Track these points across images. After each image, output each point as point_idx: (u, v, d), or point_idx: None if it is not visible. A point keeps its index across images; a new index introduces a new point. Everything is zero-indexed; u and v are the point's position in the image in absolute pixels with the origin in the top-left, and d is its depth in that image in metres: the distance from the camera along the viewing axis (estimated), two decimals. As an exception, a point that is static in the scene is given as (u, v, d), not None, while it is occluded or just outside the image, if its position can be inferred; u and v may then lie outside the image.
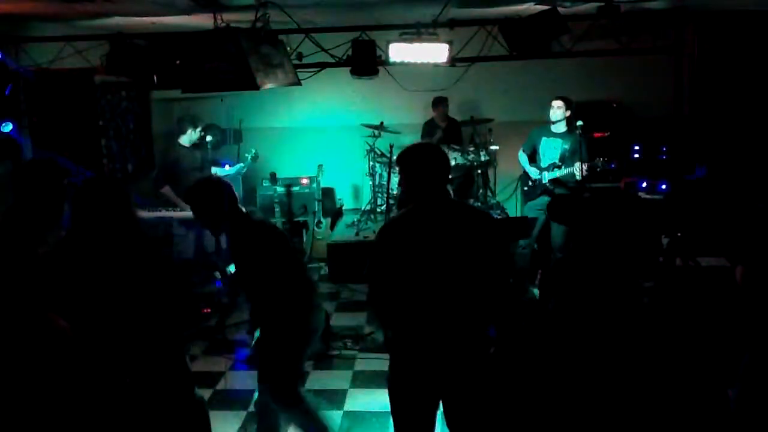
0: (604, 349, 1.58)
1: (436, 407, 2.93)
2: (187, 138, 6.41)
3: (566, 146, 6.16)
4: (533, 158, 6.54)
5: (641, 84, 7.79)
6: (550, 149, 6.28)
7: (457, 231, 2.80)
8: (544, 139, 6.33)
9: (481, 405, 2.76)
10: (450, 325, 2.78)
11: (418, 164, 2.85)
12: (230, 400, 4.62)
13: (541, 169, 6.35)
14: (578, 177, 5.99)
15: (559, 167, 6.20)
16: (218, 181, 3.49)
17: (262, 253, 3.39)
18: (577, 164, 5.96)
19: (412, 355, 2.84)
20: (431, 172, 2.84)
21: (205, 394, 4.44)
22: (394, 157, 7.56)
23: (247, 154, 7.21)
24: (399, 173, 2.97)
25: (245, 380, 4.93)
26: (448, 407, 2.90)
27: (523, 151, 6.58)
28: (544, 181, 6.32)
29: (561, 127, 6.23)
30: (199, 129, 6.53)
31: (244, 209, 3.46)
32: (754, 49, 7.03)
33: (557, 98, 6.19)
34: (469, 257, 2.78)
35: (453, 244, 2.77)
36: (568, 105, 6.17)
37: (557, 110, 6.15)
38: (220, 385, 4.85)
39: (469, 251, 2.78)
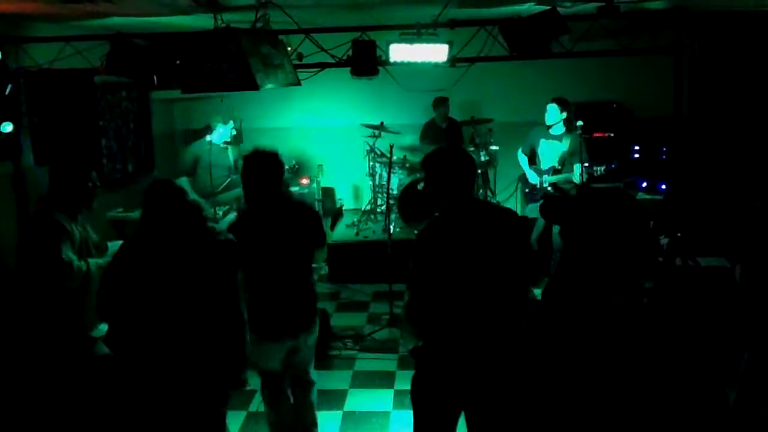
0: (601, 350, 1.58)
1: (458, 417, 2.92)
2: (218, 135, 6.35)
3: (565, 148, 6.16)
4: (533, 159, 6.54)
5: (641, 84, 7.80)
6: (549, 151, 6.28)
7: (491, 233, 2.79)
8: (542, 140, 6.33)
9: (505, 413, 2.75)
10: (487, 331, 2.77)
11: (448, 168, 2.84)
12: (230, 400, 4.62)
13: (541, 172, 6.35)
14: (577, 180, 5.99)
15: (559, 171, 6.20)
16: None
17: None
18: (577, 167, 5.96)
19: (445, 363, 2.80)
20: (462, 177, 2.83)
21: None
22: (395, 158, 7.60)
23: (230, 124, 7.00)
24: (425, 177, 2.96)
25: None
26: (471, 416, 2.88)
27: (522, 152, 6.59)
28: (544, 185, 6.32)
29: (560, 129, 6.24)
30: (231, 124, 6.46)
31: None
32: (753, 49, 7.03)
33: (552, 101, 6.19)
34: (503, 258, 2.77)
35: (490, 247, 2.77)
36: (565, 107, 6.17)
37: (552, 113, 6.17)
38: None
39: (502, 252, 2.78)
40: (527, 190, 6.67)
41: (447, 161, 2.87)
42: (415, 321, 2.86)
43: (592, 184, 6.06)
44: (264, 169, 3.48)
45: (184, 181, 6.01)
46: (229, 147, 6.52)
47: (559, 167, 6.20)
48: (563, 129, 6.22)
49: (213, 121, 6.38)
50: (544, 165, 6.32)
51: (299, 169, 7.50)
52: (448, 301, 2.77)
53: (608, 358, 1.55)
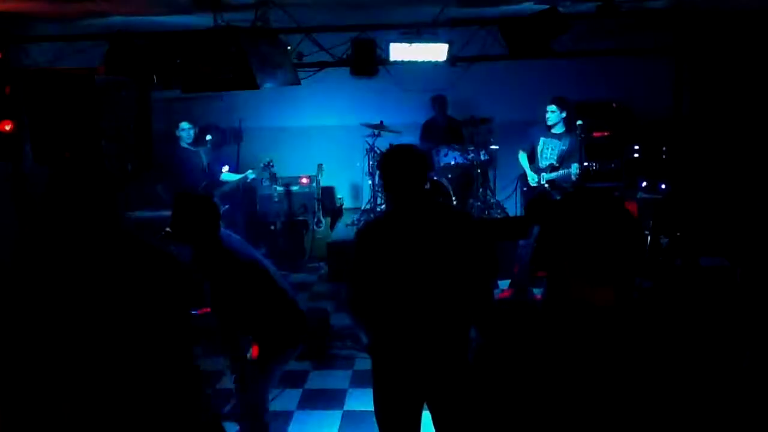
0: (584, 350, 1.57)
1: (421, 410, 2.93)
2: (186, 135, 6.39)
3: (564, 147, 6.16)
4: (533, 158, 6.54)
5: (641, 84, 7.79)
6: (549, 149, 6.29)
7: (436, 232, 2.81)
8: (542, 139, 6.34)
9: (467, 406, 2.77)
10: (431, 327, 2.79)
11: (394, 166, 2.87)
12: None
13: (540, 170, 6.35)
14: (574, 178, 6.00)
15: (557, 169, 6.20)
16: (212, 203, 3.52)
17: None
18: (575, 165, 5.97)
19: (394, 359, 2.85)
20: (407, 174, 2.84)
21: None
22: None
23: (262, 164, 7.21)
24: (379, 177, 3.05)
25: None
26: (434, 410, 2.91)
27: (523, 150, 6.59)
28: (542, 183, 6.32)
29: (560, 128, 6.24)
30: (191, 126, 6.51)
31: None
32: (754, 49, 7.02)
33: (551, 101, 6.21)
34: (448, 258, 2.79)
35: (432, 246, 2.79)
36: (563, 106, 6.18)
37: (551, 114, 6.18)
38: (220, 385, 4.85)
39: (448, 252, 2.80)
40: (525, 189, 6.67)
41: (394, 159, 2.89)
42: (357, 315, 2.93)
43: (588, 184, 6.07)
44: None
45: (159, 189, 6.05)
46: (201, 149, 6.55)
47: (558, 165, 6.20)
48: (563, 128, 6.22)
49: (180, 125, 6.44)
50: (543, 163, 6.33)
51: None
52: (388, 297, 2.81)
53: (591, 359, 1.54)
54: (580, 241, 1.56)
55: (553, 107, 6.16)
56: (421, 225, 2.81)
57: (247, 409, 3.55)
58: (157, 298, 2.08)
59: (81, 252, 2.02)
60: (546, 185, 6.28)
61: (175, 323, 2.14)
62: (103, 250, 2.05)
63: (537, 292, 6.23)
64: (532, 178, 6.44)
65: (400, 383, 2.86)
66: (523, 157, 6.57)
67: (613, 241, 1.56)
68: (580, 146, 6.03)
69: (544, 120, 6.33)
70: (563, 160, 6.16)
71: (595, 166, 6.03)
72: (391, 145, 3.04)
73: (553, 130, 6.26)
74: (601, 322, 1.58)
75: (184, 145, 6.36)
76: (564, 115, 6.18)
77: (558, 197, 6.14)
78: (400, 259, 2.77)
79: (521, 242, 6.28)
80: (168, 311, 2.10)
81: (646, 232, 5.88)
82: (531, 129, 6.56)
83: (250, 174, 7.17)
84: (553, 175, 6.22)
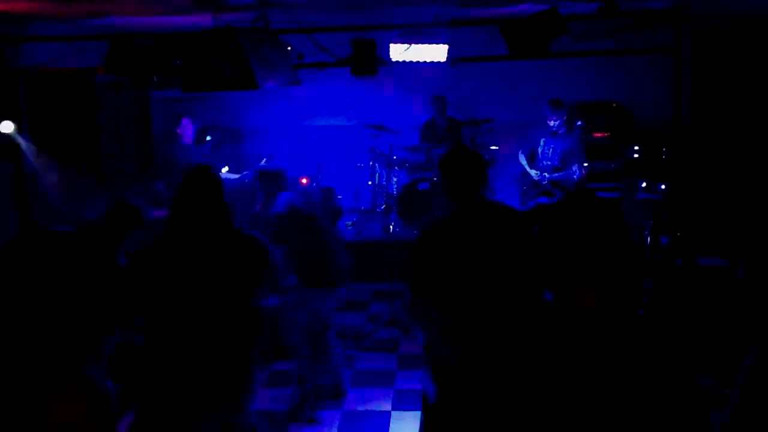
0: (576, 358, 1.55)
1: None
2: (187, 132, 6.37)
3: (564, 147, 6.17)
4: (533, 158, 6.54)
5: (641, 84, 7.79)
6: (550, 150, 6.30)
7: (503, 234, 2.77)
8: (543, 139, 6.34)
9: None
10: (498, 331, 2.72)
11: (460, 169, 2.82)
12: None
13: (541, 171, 6.36)
14: (576, 178, 6.01)
15: (560, 169, 6.21)
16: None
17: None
18: (575, 166, 5.99)
19: (460, 368, 2.65)
20: (473, 177, 2.81)
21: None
22: (394, 157, 7.60)
23: (264, 159, 7.18)
24: (441, 178, 2.93)
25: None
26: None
27: (522, 152, 6.59)
28: (543, 182, 6.33)
29: (560, 128, 6.25)
30: (192, 122, 6.51)
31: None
32: (754, 48, 7.03)
33: (548, 104, 6.21)
34: (515, 260, 2.74)
35: (501, 248, 2.74)
36: (560, 107, 6.18)
37: (551, 116, 6.19)
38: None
39: (515, 254, 2.75)
40: (524, 188, 6.68)
41: (460, 161, 2.85)
42: (420, 321, 2.84)
43: (588, 184, 6.08)
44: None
45: (160, 187, 6.05)
46: (201, 148, 6.56)
47: (559, 165, 6.21)
48: (564, 129, 6.23)
49: (182, 120, 6.41)
50: (545, 163, 6.33)
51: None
52: (455, 300, 2.73)
53: (584, 366, 1.52)
54: (566, 242, 1.55)
55: (550, 109, 6.17)
56: (489, 227, 2.77)
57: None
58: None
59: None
60: (548, 186, 6.30)
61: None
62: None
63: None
64: (534, 174, 6.44)
65: (460, 393, 2.69)
66: (522, 158, 6.57)
67: (598, 243, 1.55)
68: (580, 147, 6.05)
69: (545, 121, 6.33)
70: (564, 161, 6.17)
71: (593, 167, 6.07)
72: (451, 149, 2.99)
73: (554, 131, 6.27)
74: (582, 326, 1.56)
75: (184, 143, 6.35)
76: (563, 116, 6.19)
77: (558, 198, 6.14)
78: (470, 262, 2.70)
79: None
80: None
81: (646, 232, 5.88)
82: (531, 131, 6.56)
83: (247, 175, 7.18)
84: (556, 175, 6.24)
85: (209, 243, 2.78)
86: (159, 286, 2.74)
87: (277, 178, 4.59)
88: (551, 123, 6.22)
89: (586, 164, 6.01)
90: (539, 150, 6.38)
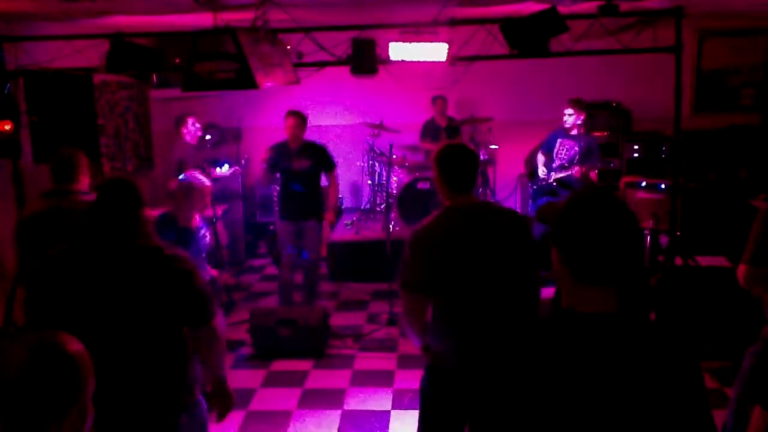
0: (576, 363, 1.53)
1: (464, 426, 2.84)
2: (191, 132, 6.38)
3: (578, 148, 6.16)
4: (549, 158, 6.54)
5: (641, 84, 7.79)
6: (564, 150, 6.30)
7: (499, 232, 2.73)
8: (559, 140, 6.33)
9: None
10: (502, 337, 2.72)
11: (457, 164, 2.77)
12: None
13: (551, 170, 6.36)
14: (578, 177, 6.01)
15: (567, 168, 6.21)
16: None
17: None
18: (577, 167, 6.00)
19: (457, 368, 2.69)
20: (467, 173, 2.78)
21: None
22: (394, 156, 7.60)
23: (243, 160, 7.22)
24: (436, 173, 2.83)
25: (245, 379, 4.93)
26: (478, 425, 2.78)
27: (541, 152, 6.57)
28: (549, 181, 6.33)
29: (577, 130, 6.22)
30: (196, 121, 6.53)
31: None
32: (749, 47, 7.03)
33: (567, 104, 6.17)
34: (513, 258, 2.72)
35: (498, 246, 2.71)
36: (580, 108, 6.14)
37: (568, 117, 6.16)
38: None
39: (512, 251, 2.73)
40: (535, 187, 6.66)
41: (457, 157, 2.80)
42: (414, 323, 2.76)
43: (587, 184, 6.07)
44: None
45: None
46: (201, 148, 6.57)
47: (567, 165, 6.20)
48: (581, 130, 6.20)
49: (187, 120, 6.41)
50: (557, 163, 6.33)
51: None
52: (451, 304, 2.70)
53: (585, 365, 1.50)
54: (578, 241, 1.52)
55: (570, 110, 6.13)
56: (484, 224, 2.72)
57: None
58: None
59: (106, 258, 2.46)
60: (554, 184, 6.30)
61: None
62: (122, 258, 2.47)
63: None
64: (542, 171, 6.44)
65: (457, 397, 2.72)
66: (540, 158, 6.55)
67: (613, 242, 1.51)
68: (597, 147, 6.06)
69: (545, 120, 6.32)
70: (573, 161, 6.16)
71: (592, 167, 6.05)
72: (446, 144, 2.91)
73: (571, 132, 6.24)
74: (594, 328, 1.53)
75: (188, 142, 6.35)
76: (581, 116, 6.14)
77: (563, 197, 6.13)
78: (464, 259, 2.66)
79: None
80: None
81: (646, 232, 5.88)
82: (552, 132, 6.51)
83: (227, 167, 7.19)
84: (560, 174, 6.24)
85: (110, 260, 2.46)
86: (52, 300, 2.45)
87: None
88: (569, 124, 6.17)
89: (586, 164, 6.02)
90: (555, 150, 6.36)
